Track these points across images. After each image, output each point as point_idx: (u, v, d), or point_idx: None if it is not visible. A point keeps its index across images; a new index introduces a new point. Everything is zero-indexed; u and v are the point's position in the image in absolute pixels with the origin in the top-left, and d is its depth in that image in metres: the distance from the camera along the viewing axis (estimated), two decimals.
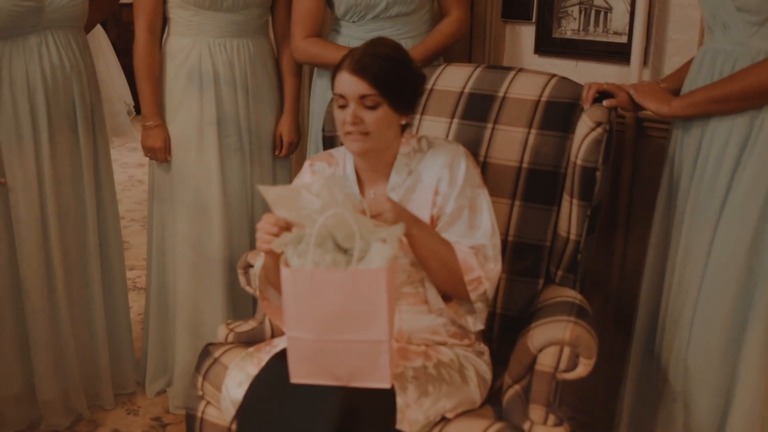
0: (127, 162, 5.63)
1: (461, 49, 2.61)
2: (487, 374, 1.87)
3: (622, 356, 2.18)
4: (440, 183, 1.82)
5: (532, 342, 1.73)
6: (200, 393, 1.96)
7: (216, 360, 1.95)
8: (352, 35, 2.38)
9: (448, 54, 2.49)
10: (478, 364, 1.86)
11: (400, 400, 1.63)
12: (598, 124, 1.91)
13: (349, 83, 1.74)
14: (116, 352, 2.67)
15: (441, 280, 1.78)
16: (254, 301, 2.57)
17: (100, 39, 4.60)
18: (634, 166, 2.35)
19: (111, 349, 2.64)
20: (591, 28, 2.41)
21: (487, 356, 1.92)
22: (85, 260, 2.51)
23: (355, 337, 1.55)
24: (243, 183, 2.54)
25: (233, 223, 2.53)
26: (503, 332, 2.04)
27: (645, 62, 2.31)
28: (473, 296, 1.76)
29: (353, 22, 2.38)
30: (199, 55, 2.43)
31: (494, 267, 1.78)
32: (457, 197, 1.80)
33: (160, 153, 2.49)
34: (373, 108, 1.75)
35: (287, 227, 1.65)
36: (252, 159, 2.54)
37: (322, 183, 1.59)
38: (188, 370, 2.54)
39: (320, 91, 2.50)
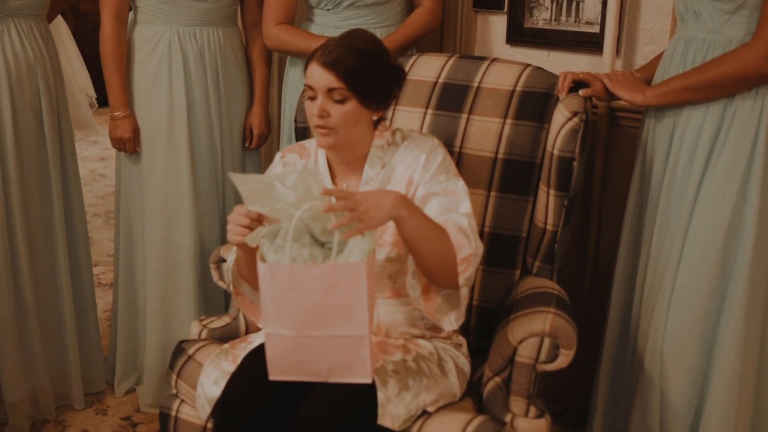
0: (88, 156, 5.51)
1: (432, 38, 2.58)
2: (466, 366, 1.86)
3: (597, 346, 2.18)
4: (414, 173, 1.78)
5: (512, 334, 1.73)
6: (174, 391, 1.92)
7: (190, 357, 1.91)
8: (326, 24, 2.35)
9: (418, 44, 2.46)
10: (457, 357, 1.84)
11: (381, 395, 1.61)
12: (575, 114, 1.91)
13: (319, 75, 1.71)
14: (84, 350, 2.61)
15: (432, 264, 1.62)
16: (226, 296, 2.54)
17: (60, 29, 4.48)
18: (607, 156, 2.36)
19: (79, 347, 2.57)
20: (563, 17, 2.40)
21: (465, 348, 1.90)
22: (52, 255, 2.45)
23: (335, 332, 1.54)
24: (213, 175, 2.49)
25: (203, 216, 2.49)
26: (480, 324, 2.03)
27: (617, 52, 2.31)
28: (461, 279, 1.63)
29: (328, 10, 2.34)
30: (169, 43, 2.37)
31: (478, 246, 1.68)
32: (429, 180, 1.75)
33: (129, 144, 2.43)
34: (340, 102, 1.71)
35: (259, 219, 1.61)
36: (223, 151, 2.49)
37: (298, 176, 1.56)
38: (158, 368, 2.51)
39: (293, 80, 2.46)
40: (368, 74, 1.72)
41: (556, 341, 1.69)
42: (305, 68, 1.76)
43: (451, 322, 1.73)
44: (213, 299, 2.57)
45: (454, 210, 1.71)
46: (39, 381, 2.46)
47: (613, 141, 2.34)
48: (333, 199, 1.56)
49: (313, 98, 1.73)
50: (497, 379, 1.75)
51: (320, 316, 1.53)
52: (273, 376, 1.60)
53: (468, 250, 1.63)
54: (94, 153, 5.58)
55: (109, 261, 3.73)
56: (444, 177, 1.77)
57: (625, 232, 2.07)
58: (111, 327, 2.74)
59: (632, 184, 2.05)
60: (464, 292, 1.68)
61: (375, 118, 1.80)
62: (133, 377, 2.68)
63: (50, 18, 2.50)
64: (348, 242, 1.54)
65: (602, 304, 2.24)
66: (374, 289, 1.60)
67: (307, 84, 1.73)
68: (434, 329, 1.85)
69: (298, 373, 1.59)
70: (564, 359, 1.70)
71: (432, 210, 1.71)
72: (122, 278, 2.61)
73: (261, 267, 1.52)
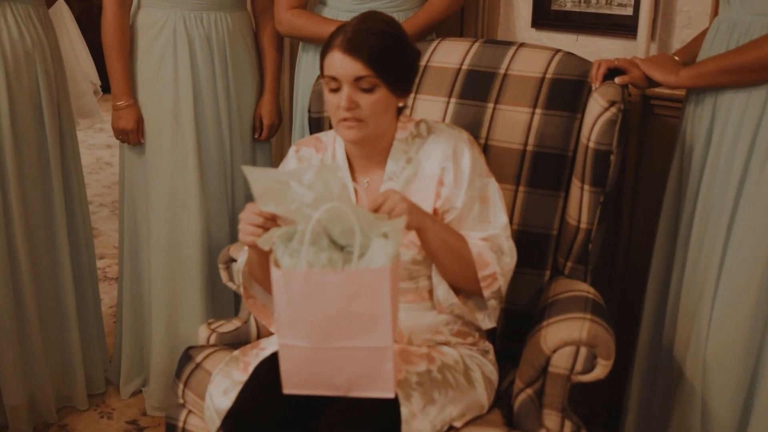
0: (94, 143, 5.40)
1: (452, 22, 2.45)
2: (494, 375, 1.74)
3: (627, 348, 2.06)
4: (445, 174, 1.67)
5: (545, 342, 1.60)
6: (181, 401, 1.80)
7: (198, 365, 1.79)
8: (340, 7, 2.23)
9: (438, 28, 2.32)
10: (484, 365, 1.73)
11: (404, 410, 1.49)
12: (612, 104, 1.77)
13: (342, 64, 1.58)
14: (86, 348, 2.51)
15: (454, 275, 1.64)
16: (235, 295, 2.42)
17: (63, 14, 4.34)
18: (641, 147, 2.22)
19: (82, 346, 2.47)
20: None
21: (492, 355, 1.79)
22: (53, 250, 2.35)
23: (356, 343, 1.42)
24: (222, 168, 2.37)
25: (211, 211, 2.37)
26: (508, 328, 1.90)
27: (652, 36, 2.17)
28: (487, 293, 1.63)
29: None
30: (174, 29, 2.25)
31: (510, 262, 1.65)
32: (466, 190, 1.66)
33: (132, 135, 2.31)
34: (369, 91, 1.59)
35: (273, 218, 1.51)
36: (231, 143, 2.37)
37: (316, 173, 1.43)
38: (165, 369, 2.41)
39: (305, 67, 2.34)
40: (394, 57, 1.61)
41: (594, 350, 1.56)
42: (322, 57, 1.64)
43: (478, 319, 1.68)
44: (222, 297, 2.46)
45: (492, 221, 1.66)
46: (39, 383, 2.36)
47: (647, 131, 2.21)
48: (353, 198, 1.45)
49: (335, 90, 1.61)
50: (529, 390, 1.62)
51: (340, 326, 1.41)
52: (287, 390, 1.48)
53: (492, 268, 1.62)
54: (100, 141, 5.47)
55: (116, 253, 3.62)
56: (479, 182, 1.68)
57: (661, 228, 1.94)
58: (116, 324, 2.63)
59: (670, 177, 1.92)
60: (492, 303, 1.64)
61: (400, 104, 1.69)
62: (139, 378, 2.57)
63: (50, 3, 2.40)
64: (370, 245, 1.41)
65: (634, 304, 2.12)
66: (398, 297, 1.49)
67: (329, 75, 1.61)
68: (460, 335, 1.73)
69: (315, 386, 1.47)
70: (602, 370, 1.57)
71: (471, 222, 1.66)
72: (127, 274, 2.51)
73: (275, 273, 1.40)
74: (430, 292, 1.69)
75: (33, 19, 2.20)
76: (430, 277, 1.68)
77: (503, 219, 1.67)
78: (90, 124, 5.00)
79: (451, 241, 1.60)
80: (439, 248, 1.59)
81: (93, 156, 5.16)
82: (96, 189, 4.57)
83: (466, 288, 1.65)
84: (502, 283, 1.64)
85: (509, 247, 1.66)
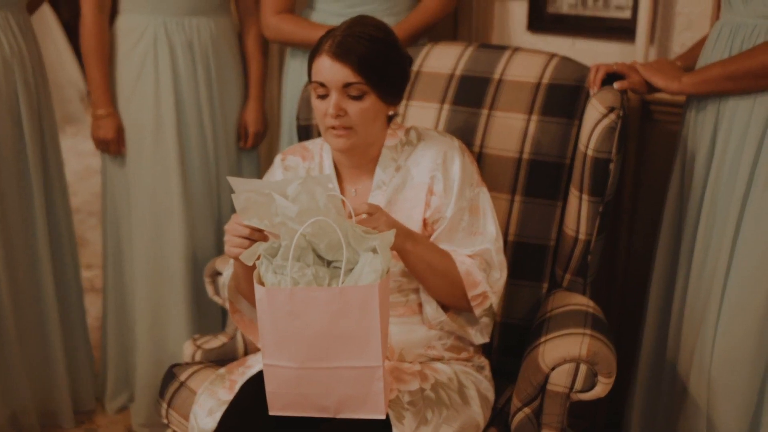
0: (83, 150, 5.31)
1: (445, 26, 2.39)
2: (490, 392, 1.68)
3: (628, 359, 2.01)
4: (434, 182, 1.61)
5: (543, 359, 1.53)
6: (165, 421, 1.73)
7: (182, 384, 1.72)
8: (329, 11, 2.16)
9: (430, 32, 2.26)
10: (479, 381, 1.66)
11: None
12: (611, 110, 1.70)
13: (331, 70, 1.52)
14: (72, 363, 2.43)
15: (441, 295, 1.58)
16: (222, 308, 2.35)
17: (48, 20, 4.28)
18: (640, 155, 2.16)
19: (66, 360, 2.39)
20: (590, 1, 2.20)
21: (487, 371, 1.72)
22: (34, 262, 2.28)
23: (344, 363, 1.37)
24: (206, 178, 2.30)
25: (196, 222, 2.30)
26: (504, 343, 1.84)
27: (651, 39, 2.10)
28: (478, 312, 1.58)
29: None
30: (154, 35, 2.18)
31: (500, 277, 1.59)
32: (456, 200, 1.60)
33: (113, 145, 2.25)
34: (358, 98, 1.53)
35: (259, 230, 1.45)
36: (216, 152, 2.31)
37: (300, 184, 1.37)
38: (151, 385, 2.34)
39: (293, 73, 2.27)
40: (384, 64, 1.54)
41: (594, 368, 1.50)
42: (310, 62, 1.58)
43: (470, 334, 1.63)
44: (208, 310, 2.40)
45: (482, 233, 1.61)
46: (20, 401, 2.28)
47: (646, 137, 2.15)
48: (343, 210, 1.39)
49: (323, 96, 1.55)
50: (527, 409, 1.56)
51: (327, 345, 1.35)
52: (274, 412, 1.43)
53: (482, 287, 1.57)
54: (89, 147, 5.36)
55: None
56: (469, 192, 1.62)
57: (662, 237, 1.88)
58: (101, 338, 2.55)
59: (671, 184, 1.86)
60: (485, 320, 1.60)
61: (390, 113, 1.62)
62: (125, 394, 2.50)
63: (32, 9, 2.32)
64: (358, 261, 1.35)
65: (634, 315, 2.05)
66: (387, 314, 1.43)
67: (317, 81, 1.55)
68: (453, 350, 1.66)
69: (302, 408, 1.42)
70: (603, 388, 1.51)
71: (460, 234, 1.61)
72: (111, 286, 2.44)
73: (258, 291, 1.34)
74: (421, 305, 1.63)
75: (12, 26, 2.14)
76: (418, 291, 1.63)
77: (493, 230, 1.62)
78: (77, 131, 4.94)
79: (435, 261, 1.55)
80: (424, 269, 1.54)
81: (82, 163, 5.07)
82: (84, 196, 4.49)
83: (456, 306, 1.60)
84: (494, 300, 1.59)
85: (499, 261, 1.60)
